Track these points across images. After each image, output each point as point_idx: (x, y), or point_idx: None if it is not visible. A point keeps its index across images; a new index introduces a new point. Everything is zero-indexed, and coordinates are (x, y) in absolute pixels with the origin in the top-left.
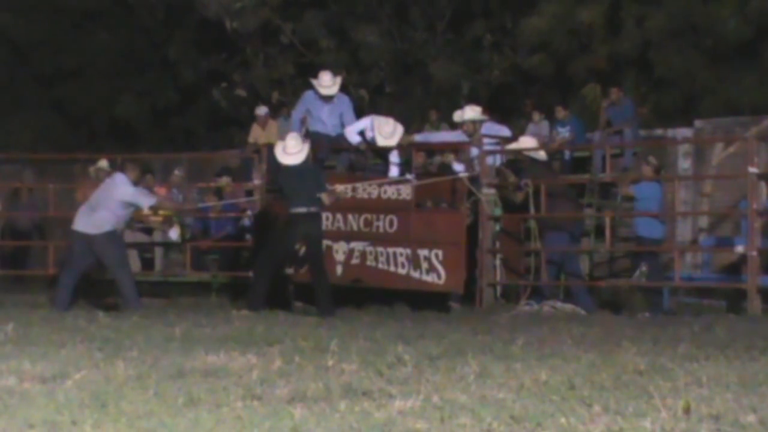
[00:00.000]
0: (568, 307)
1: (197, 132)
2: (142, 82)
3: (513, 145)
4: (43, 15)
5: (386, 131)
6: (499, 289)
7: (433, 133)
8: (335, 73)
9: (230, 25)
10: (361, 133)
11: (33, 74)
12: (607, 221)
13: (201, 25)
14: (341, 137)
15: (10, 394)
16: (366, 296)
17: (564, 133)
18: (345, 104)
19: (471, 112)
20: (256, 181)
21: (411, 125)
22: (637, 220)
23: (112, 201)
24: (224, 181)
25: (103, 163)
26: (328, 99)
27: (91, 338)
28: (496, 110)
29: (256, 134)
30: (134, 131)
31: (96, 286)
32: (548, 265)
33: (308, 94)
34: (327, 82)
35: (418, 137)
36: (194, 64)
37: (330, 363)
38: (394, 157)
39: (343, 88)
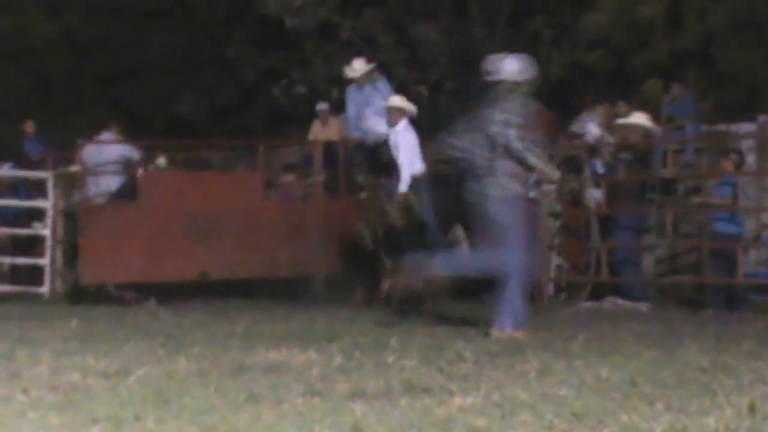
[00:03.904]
0: (629, 304)
1: (256, 129)
2: (201, 81)
3: (623, 120)
4: (105, 15)
5: None
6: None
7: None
8: (368, 61)
9: (290, 23)
10: None
11: (94, 73)
12: (669, 217)
13: (260, 23)
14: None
15: (74, 389)
16: None
17: None
18: (385, 89)
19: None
20: (320, 178)
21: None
22: (716, 217)
23: None
24: (289, 177)
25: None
26: (361, 84)
27: (153, 334)
28: (556, 106)
29: (317, 131)
30: (194, 129)
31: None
32: (624, 266)
33: (350, 88)
34: (357, 65)
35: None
36: (253, 62)
37: (390, 359)
38: None
39: (403, 85)
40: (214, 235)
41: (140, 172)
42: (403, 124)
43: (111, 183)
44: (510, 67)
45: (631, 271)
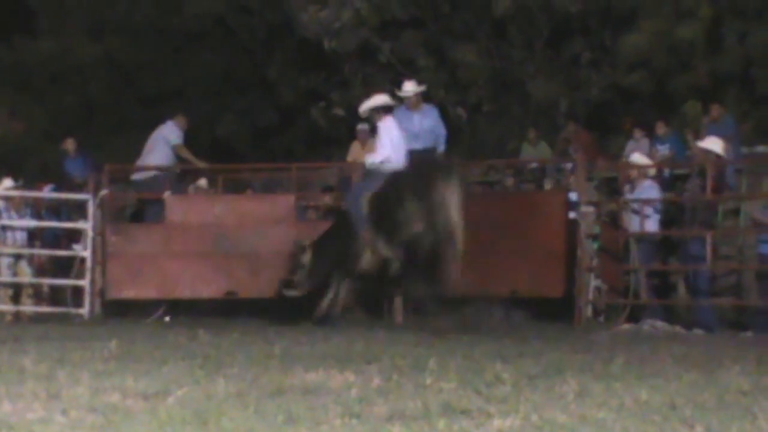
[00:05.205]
0: (668, 326)
1: (296, 151)
2: (242, 102)
3: (700, 144)
4: (147, 38)
5: None
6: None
7: None
8: (419, 83)
9: (329, 45)
10: None
11: (136, 95)
12: (708, 239)
13: (300, 46)
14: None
15: (113, 410)
16: None
17: (664, 150)
18: (434, 113)
19: None
20: None
21: (509, 143)
22: (762, 239)
23: None
24: (328, 198)
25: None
26: (413, 106)
27: (192, 355)
28: (595, 128)
29: (356, 152)
30: (234, 151)
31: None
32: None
33: (398, 110)
34: (408, 86)
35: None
36: (293, 84)
37: (428, 381)
38: None
39: (442, 107)
40: (243, 256)
41: (167, 194)
42: (386, 121)
43: (156, 158)
44: None
45: (707, 299)
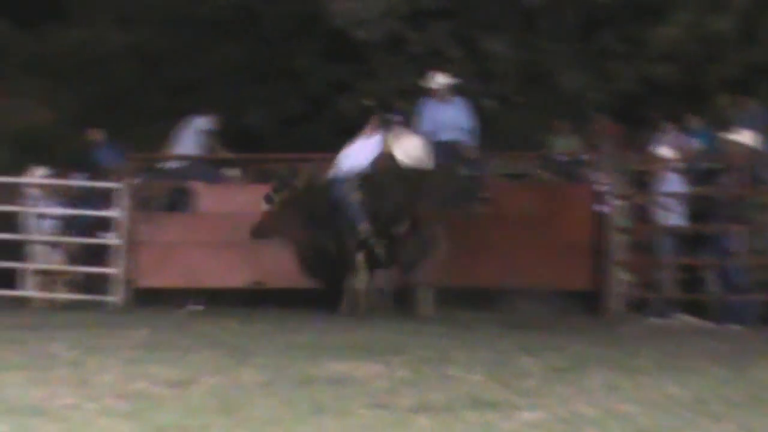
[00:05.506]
0: (697, 320)
1: (323, 141)
2: (268, 92)
3: (731, 136)
4: (174, 27)
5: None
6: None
7: None
8: (449, 75)
9: (358, 35)
10: None
11: (163, 85)
12: (740, 234)
13: (328, 36)
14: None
15: (142, 397)
16: None
17: (696, 144)
18: (463, 106)
19: None
20: None
21: (537, 135)
22: None
23: None
24: None
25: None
26: (440, 98)
27: (219, 344)
28: (625, 121)
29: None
30: (261, 141)
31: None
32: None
33: (426, 103)
34: (439, 79)
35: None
36: (321, 74)
37: (454, 373)
38: None
39: (471, 98)
40: (271, 246)
41: (196, 183)
42: (374, 136)
43: (185, 147)
44: None
45: (739, 294)
